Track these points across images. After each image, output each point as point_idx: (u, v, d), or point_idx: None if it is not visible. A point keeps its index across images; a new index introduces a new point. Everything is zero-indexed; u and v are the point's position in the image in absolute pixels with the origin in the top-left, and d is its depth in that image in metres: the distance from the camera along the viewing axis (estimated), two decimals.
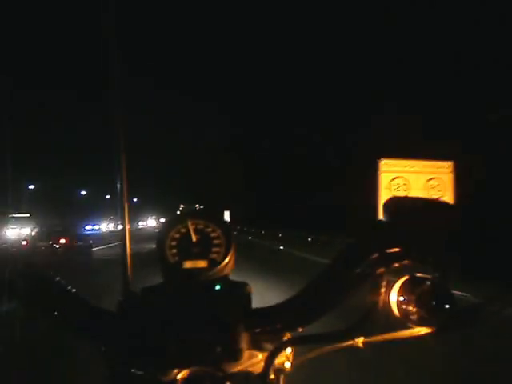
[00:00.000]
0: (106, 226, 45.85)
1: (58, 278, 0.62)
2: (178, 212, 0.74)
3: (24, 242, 15.66)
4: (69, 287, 0.62)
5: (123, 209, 0.70)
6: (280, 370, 0.62)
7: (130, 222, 0.71)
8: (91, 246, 17.01)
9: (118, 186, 0.68)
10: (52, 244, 15.02)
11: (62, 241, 15.39)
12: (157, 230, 0.69)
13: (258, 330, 0.61)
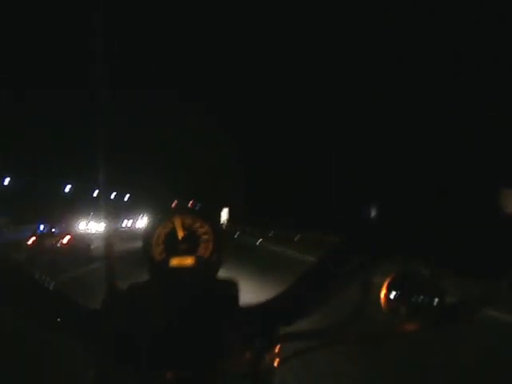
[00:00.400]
0: (85, 225, 38.69)
1: (40, 276, 0.61)
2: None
3: (32, 239, 14.60)
4: (51, 285, 0.60)
5: (106, 206, 0.68)
6: (269, 368, 0.62)
7: (113, 221, 0.69)
8: (89, 246, 16.03)
9: (101, 178, 0.67)
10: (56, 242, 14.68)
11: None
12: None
13: (246, 328, 0.60)
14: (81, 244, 15.42)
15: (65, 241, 14.59)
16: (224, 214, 28.96)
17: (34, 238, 14.61)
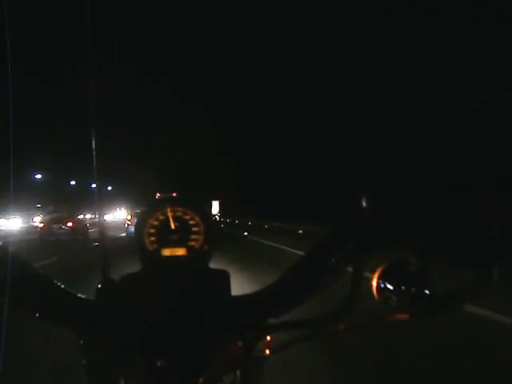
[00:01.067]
0: (21, 222, 31.20)
1: (30, 264, 0.61)
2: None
3: (41, 225, 19.49)
4: (42, 273, 0.61)
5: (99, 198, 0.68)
6: (260, 357, 0.62)
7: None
8: (87, 228, 19.77)
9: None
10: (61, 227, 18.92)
11: None
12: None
13: (237, 317, 0.60)
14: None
15: (69, 224, 19.00)
16: (215, 207, 27.00)
17: (42, 225, 19.43)
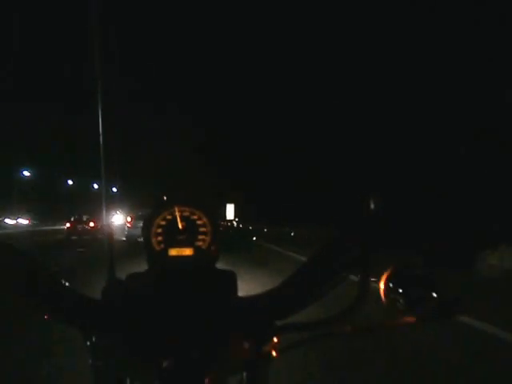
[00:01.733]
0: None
1: (41, 263, 0.61)
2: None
3: (68, 225, 22.86)
4: (52, 272, 0.61)
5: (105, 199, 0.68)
6: (267, 358, 0.62)
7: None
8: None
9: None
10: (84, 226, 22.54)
11: None
12: None
13: (244, 318, 0.60)
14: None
15: (91, 224, 22.74)
16: (230, 210, 23.39)
17: (69, 224, 22.88)
